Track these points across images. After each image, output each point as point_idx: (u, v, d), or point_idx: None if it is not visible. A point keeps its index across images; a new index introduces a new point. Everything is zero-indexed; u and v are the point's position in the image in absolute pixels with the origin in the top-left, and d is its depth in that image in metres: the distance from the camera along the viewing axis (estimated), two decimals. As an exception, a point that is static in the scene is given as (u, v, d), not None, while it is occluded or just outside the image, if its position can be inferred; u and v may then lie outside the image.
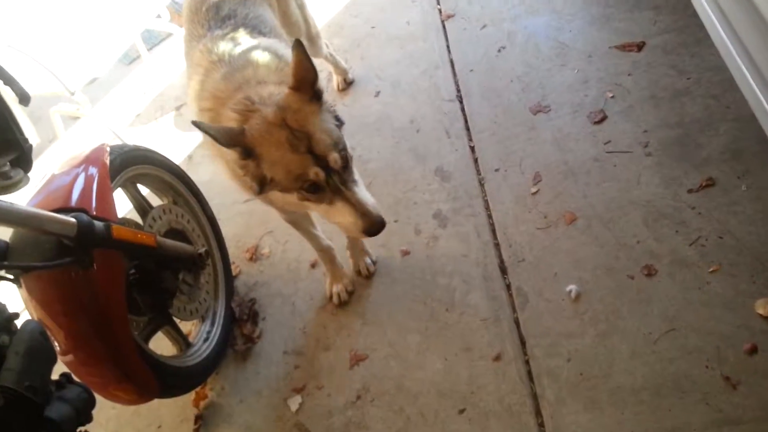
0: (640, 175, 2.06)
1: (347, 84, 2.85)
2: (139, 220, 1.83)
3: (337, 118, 1.49)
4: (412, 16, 3.05)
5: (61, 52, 2.62)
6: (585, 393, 1.68)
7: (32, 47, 2.60)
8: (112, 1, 2.86)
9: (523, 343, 1.82)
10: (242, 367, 2.09)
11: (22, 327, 1.18)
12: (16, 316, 1.24)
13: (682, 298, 1.76)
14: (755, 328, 1.64)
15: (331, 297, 2.10)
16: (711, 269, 1.78)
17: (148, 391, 1.62)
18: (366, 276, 2.15)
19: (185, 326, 2.01)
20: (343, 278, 2.10)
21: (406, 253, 2.15)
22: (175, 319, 1.87)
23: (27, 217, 1.35)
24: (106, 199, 1.60)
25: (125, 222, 1.70)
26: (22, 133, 1.45)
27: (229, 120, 1.43)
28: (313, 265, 2.23)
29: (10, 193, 1.40)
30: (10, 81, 1.46)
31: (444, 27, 2.92)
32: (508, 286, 1.95)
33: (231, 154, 1.43)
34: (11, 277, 1.44)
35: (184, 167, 2.41)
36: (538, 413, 1.70)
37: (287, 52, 1.67)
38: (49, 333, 1.29)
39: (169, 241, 1.76)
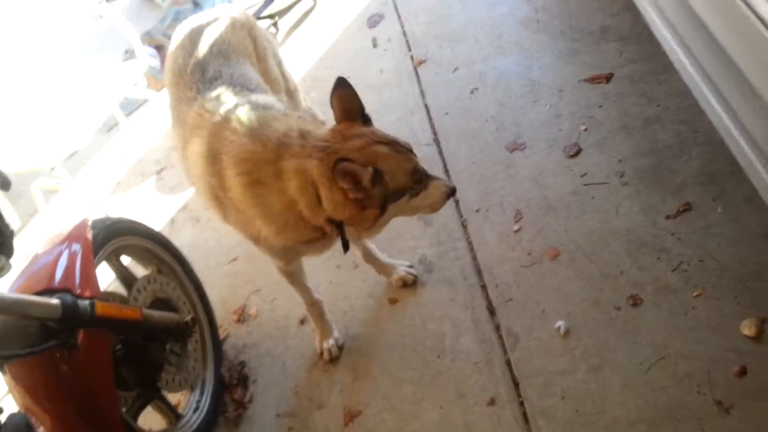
0: (618, 205, 2.09)
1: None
2: (124, 292, 1.83)
3: None
4: (384, 65, 3.11)
5: (41, 127, 2.66)
6: (581, 430, 1.66)
7: (11, 124, 2.64)
8: (89, 74, 2.91)
9: (516, 384, 1.81)
10: (235, 434, 2.06)
11: (6, 421, 1.17)
12: (0, 410, 1.23)
13: (669, 325, 1.76)
14: (743, 350, 1.64)
15: (321, 353, 2.09)
16: (695, 294, 1.79)
17: (139, 470, 1.60)
18: (412, 283, 2.13)
19: (174, 396, 1.99)
20: (332, 333, 2.10)
21: (394, 301, 2.15)
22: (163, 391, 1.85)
23: (10, 304, 1.35)
24: (89, 276, 1.60)
25: (110, 297, 1.70)
26: (2, 219, 1.47)
27: (302, 169, 1.46)
28: (302, 321, 2.23)
29: (-8, 280, 1.41)
30: (-10, 169, 1.48)
31: (416, 73, 2.98)
32: (498, 327, 1.95)
33: (330, 190, 1.45)
34: (-5, 365, 1.43)
35: (166, 232, 2.43)
36: (537, 456, 1.68)
37: (281, 105, 1.76)
38: (35, 421, 1.28)
39: (155, 313, 1.76)
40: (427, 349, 1.99)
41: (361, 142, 1.48)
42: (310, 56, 3.42)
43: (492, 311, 2.00)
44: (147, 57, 2.98)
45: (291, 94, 2.42)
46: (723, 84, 1.60)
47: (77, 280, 1.56)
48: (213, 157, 1.59)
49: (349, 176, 1.41)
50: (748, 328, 1.66)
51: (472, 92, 2.73)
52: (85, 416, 1.44)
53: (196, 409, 1.95)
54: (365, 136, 1.51)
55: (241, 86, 1.79)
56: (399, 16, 3.33)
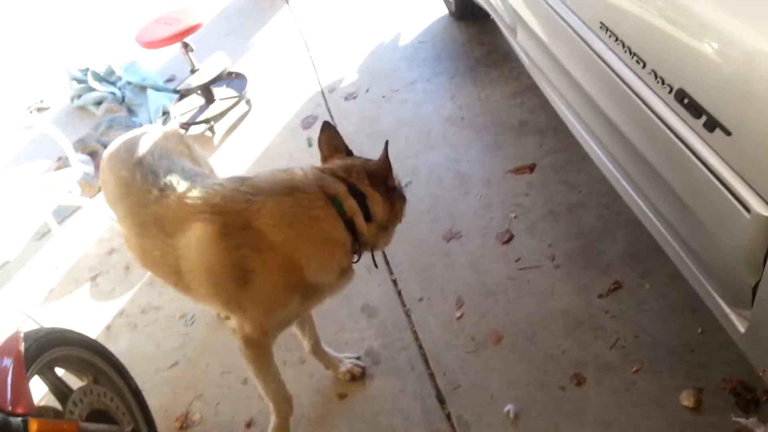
0: (553, 287, 2.18)
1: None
2: (59, 406, 1.73)
3: None
4: (319, 162, 3.20)
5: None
6: None
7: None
8: (20, 184, 2.86)
9: (472, 473, 1.79)
10: None
11: None
12: None
13: (613, 402, 1.81)
14: (685, 421, 1.70)
15: None
16: (634, 369, 1.86)
17: None
18: (360, 375, 2.12)
19: None
20: None
21: (343, 396, 2.12)
22: None
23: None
24: (22, 392, 1.51)
25: (44, 412, 1.60)
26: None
27: (338, 195, 1.63)
28: (249, 425, 2.14)
29: None
30: None
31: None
32: (449, 416, 1.95)
33: (375, 193, 1.68)
34: None
35: (102, 339, 2.33)
36: None
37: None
38: None
39: (92, 426, 1.66)
40: (379, 445, 1.96)
41: (361, 161, 1.75)
42: (246, 158, 3.49)
43: (442, 400, 1.99)
44: (80, 164, 2.96)
45: None
46: (632, 170, 1.74)
47: (8, 397, 1.47)
48: (235, 230, 1.60)
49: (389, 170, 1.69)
50: (687, 399, 1.74)
51: (406, 185, 2.84)
52: None
53: None
54: (357, 160, 1.77)
55: (199, 176, 1.81)
56: (332, 117, 3.48)
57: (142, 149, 1.92)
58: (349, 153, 1.83)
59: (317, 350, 2.12)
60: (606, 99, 1.70)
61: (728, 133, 1.17)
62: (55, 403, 1.75)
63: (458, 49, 3.66)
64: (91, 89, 4.46)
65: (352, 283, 2.34)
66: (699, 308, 1.86)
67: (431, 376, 2.07)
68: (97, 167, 3.71)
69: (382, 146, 1.69)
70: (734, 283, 1.34)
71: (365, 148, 3.13)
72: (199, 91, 3.81)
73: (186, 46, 3.65)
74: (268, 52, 4.45)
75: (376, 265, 1.95)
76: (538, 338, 2.05)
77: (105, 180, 1.99)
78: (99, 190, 3.59)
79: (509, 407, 1.89)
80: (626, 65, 1.49)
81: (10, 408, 1.43)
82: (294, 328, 2.06)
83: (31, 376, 1.63)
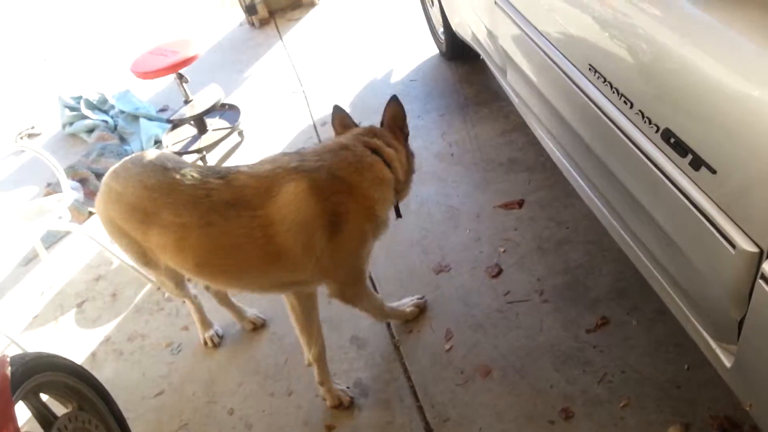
0: (541, 321, 2.20)
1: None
2: (43, 433, 1.70)
3: None
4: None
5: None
6: None
7: None
8: (8, 209, 2.85)
9: (460, 508, 1.78)
10: None
11: None
12: None
13: (601, 436, 1.82)
14: (672, 457, 1.71)
15: None
16: (622, 404, 1.88)
17: None
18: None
19: None
20: None
21: (331, 428, 2.10)
22: None
23: None
24: (8, 417, 1.49)
25: (28, 438, 1.58)
26: None
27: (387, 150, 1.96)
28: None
29: None
30: None
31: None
32: (437, 449, 1.94)
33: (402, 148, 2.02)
34: None
35: (87, 366, 2.31)
36: None
37: None
38: None
39: (76, 453, 1.63)
40: (367, 478, 1.94)
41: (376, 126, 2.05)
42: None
43: (430, 433, 1.99)
44: (72, 190, 2.96)
45: None
46: (620, 206, 1.79)
47: (-6, 422, 1.46)
48: (322, 183, 1.80)
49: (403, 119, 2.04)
50: (674, 435, 1.75)
51: (396, 219, 2.87)
52: None
53: None
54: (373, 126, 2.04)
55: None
56: (324, 150, 3.51)
57: (160, 159, 1.96)
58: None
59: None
60: (594, 137, 1.75)
61: (713, 172, 1.21)
62: (38, 430, 1.73)
63: (449, 87, 3.74)
64: (84, 117, 4.49)
65: (341, 314, 2.37)
66: (685, 344, 1.89)
67: (420, 408, 2.07)
68: (87, 194, 3.71)
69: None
70: (720, 318, 1.38)
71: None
72: (192, 122, 3.85)
73: (181, 77, 3.70)
74: (262, 85, 4.52)
75: (400, 215, 2.15)
76: (526, 372, 2.06)
77: (118, 197, 1.95)
78: (89, 216, 3.58)
79: (498, 441, 1.89)
80: (614, 105, 1.54)
81: (-5, 433, 1.41)
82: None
83: (17, 400, 1.62)
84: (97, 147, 4.10)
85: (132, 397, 2.38)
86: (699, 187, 1.27)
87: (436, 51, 4.13)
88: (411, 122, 2.35)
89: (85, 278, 3.16)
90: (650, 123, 1.39)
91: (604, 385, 1.94)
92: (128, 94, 4.61)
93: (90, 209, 3.63)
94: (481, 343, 2.20)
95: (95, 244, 2.93)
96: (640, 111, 1.42)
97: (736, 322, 1.29)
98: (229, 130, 3.86)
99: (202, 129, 3.86)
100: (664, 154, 1.36)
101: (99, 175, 3.85)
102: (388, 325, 2.37)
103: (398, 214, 2.13)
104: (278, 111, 4.13)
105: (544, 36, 1.91)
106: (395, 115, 2.01)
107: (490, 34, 2.56)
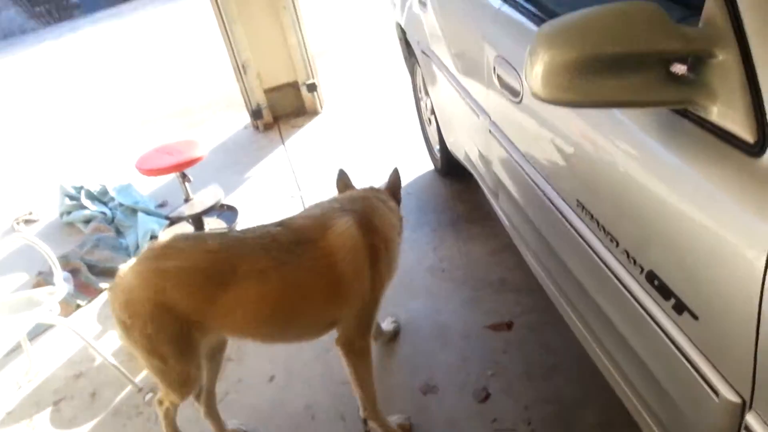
0: (527, 451, 2.15)
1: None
2: None
3: None
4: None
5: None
6: None
7: None
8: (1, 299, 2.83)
9: None
10: None
11: None
12: None
13: None
14: None
15: None
16: None
17: None
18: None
19: None
20: None
21: None
22: None
23: None
24: None
25: None
26: None
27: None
28: None
29: None
30: None
31: (332, 309, 3.11)
32: None
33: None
34: None
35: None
36: None
37: None
38: None
39: None
40: None
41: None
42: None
43: None
44: (64, 283, 2.94)
45: None
46: (607, 340, 1.79)
47: None
48: (362, 221, 2.12)
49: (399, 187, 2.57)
50: None
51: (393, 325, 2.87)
52: None
53: None
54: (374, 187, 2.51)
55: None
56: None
57: (199, 232, 2.12)
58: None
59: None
60: (582, 270, 1.79)
61: (696, 318, 1.23)
62: None
63: (442, 203, 3.85)
64: (83, 207, 4.55)
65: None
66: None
67: None
68: (77, 285, 3.70)
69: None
70: (707, 465, 1.35)
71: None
72: (189, 220, 3.91)
73: (184, 176, 3.80)
74: (261, 188, 4.63)
75: None
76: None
77: (178, 273, 1.94)
78: (76, 308, 3.55)
79: None
80: (601, 242, 1.59)
81: None
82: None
83: None
84: (92, 238, 4.13)
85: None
86: (682, 331, 1.29)
87: (431, 167, 4.27)
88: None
89: (66, 374, 3.08)
90: (635, 263, 1.43)
91: None
92: (129, 187, 4.71)
93: (78, 302, 3.60)
94: (465, 471, 2.13)
95: (79, 339, 2.89)
96: (625, 251, 1.47)
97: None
98: (225, 231, 3.91)
99: (199, 228, 3.92)
100: (649, 295, 1.39)
101: (91, 267, 3.85)
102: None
103: None
104: (276, 214, 4.16)
105: (535, 168, 2.00)
106: (395, 183, 2.52)
107: (483, 158, 2.67)
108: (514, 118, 2.08)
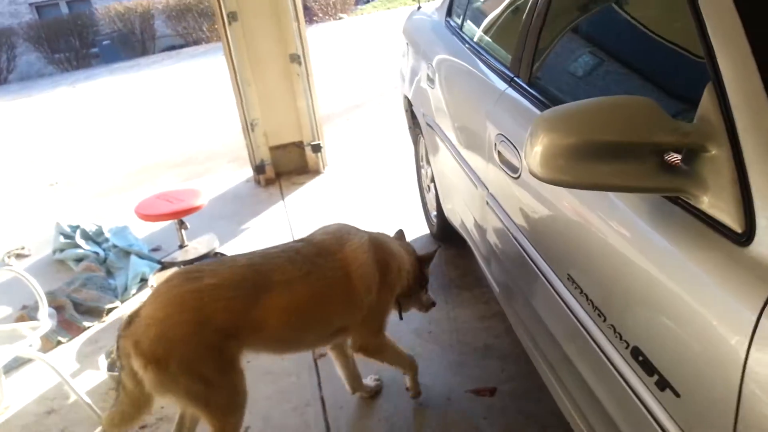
0: None
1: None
2: None
3: None
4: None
5: None
6: None
7: None
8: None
9: None
10: None
11: None
12: None
13: None
14: None
15: None
16: None
17: None
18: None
19: None
20: None
21: None
22: None
23: None
24: None
25: None
26: None
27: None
28: None
29: None
30: None
31: (316, 364, 3.12)
32: None
33: None
34: None
35: None
36: None
37: None
38: None
39: None
40: None
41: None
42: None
43: None
44: (48, 319, 2.94)
45: None
46: (588, 412, 1.81)
47: None
48: (373, 243, 2.44)
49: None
50: None
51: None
52: None
53: None
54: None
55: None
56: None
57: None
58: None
59: None
60: (568, 342, 1.84)
61: (677, 395, 1.28)
62: None
63: (435, 267, 3.85)
64: (76, 246, 4.57)
65: None
66: None
67: None
68: (61, 322, 3.68)
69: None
70: None
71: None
72: (182, 266, 3.94)
73: (182, 223, 3.86)
74: (257, 240, 4.67)
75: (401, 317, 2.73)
76: None
77: (216, 288, 2.07)
78: (57, 344, 3.53)
79: None
80: (589, 316, 1.65)
81: None
82: None
83: None
84: (81, 277, 4.13)
85: None
86: (664, 408, 1.33)
87: (427, 231, 4.36)
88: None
89: (37, 410, 3.04)
90: (621, 338, 1.48)
91: None
92: (125, 230, 4.74)
93: (60, 338, 3.58)
94: None
95: (55, 376, 2.86)
96: (611, 326, 1.52)
97: None
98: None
99: (190, 274, 3.93)
100: (633, 370, 1.44)
101: (77, 305, 3.84)
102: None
103: (400, 316, 2.71)
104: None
105: (529, 240, 2.08)
106: (429, 254, 2.79)
107: (479, 227, 2.76)
108: (511, 193, 2.17)
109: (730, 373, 1.10)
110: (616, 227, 1.55)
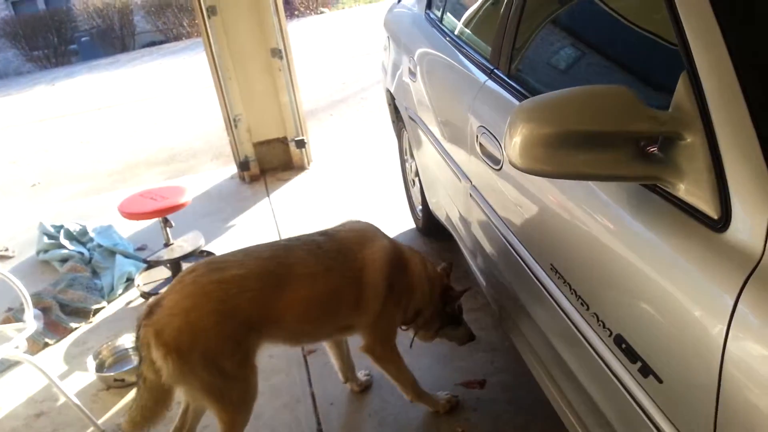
0: None
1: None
2: None
3: None
4: (274, 350, 3.23)
5: None
6: None
7: None
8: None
9: None
10: None
11: None
12: None
13: None
14: None
15: None
16: None
17: None
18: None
19: None
20: None
21: None
22: None
23: None
24: None
25: None
26: None
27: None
28: None
29: None
30: None
31: (306, 361, 3.12)
32: None
33: None
34: None
35: None
36: None
37: None
38: None
39: None
40: None
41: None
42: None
43: None
44: (34, 321, 2.91)
45: None
46: (576, 402, 1.83)
47: None
48: (390, 250, 2.41)
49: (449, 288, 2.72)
50: None
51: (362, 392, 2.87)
52: None
53: None
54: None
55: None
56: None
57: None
58: None
59: None
60: (553, 332, 1.86)
61: (660, 381, 1.29)
62: None
63: (421, 260, 3.91)
64: (60, 246, 4.52)
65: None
66: None
67: None
68: (47, 324, 3.65)
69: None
70: None
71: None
72: (168, 265, 3.92)
73: (166, 221, 3.83)
74: (243, 237, 4.66)
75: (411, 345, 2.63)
76: None
77: (242, 281, 2.09)
78: (44, 346, 3.50)
79: None
80: (572, 305, 1.66)
81: None
82: None
83: None
84: (67, 277, 4.09)
85: None
86: (647, 393, 1.35)
87: (413, 225, 4.36)
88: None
89: (26, 413, 3.02)
90: (604, 327, 1.50)
91: None
92: (110, 229, 4.70)
93: (47, 340, 3.55)
94: None
95: (43, 378, 2.84)
96: (595, 314, 1.54)
97: None
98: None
99: (177, 272, 3.92)
100: (616, 357, 1.46)
101: (63, 306, 3.81)
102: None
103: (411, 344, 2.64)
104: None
105: (512, 232, 2.09)
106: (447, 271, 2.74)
107: (463, 220, 2.77)
108: (493, 185, 2.18)
109: (710, 358, 1.12)
110: (595, 216, 1.57)
